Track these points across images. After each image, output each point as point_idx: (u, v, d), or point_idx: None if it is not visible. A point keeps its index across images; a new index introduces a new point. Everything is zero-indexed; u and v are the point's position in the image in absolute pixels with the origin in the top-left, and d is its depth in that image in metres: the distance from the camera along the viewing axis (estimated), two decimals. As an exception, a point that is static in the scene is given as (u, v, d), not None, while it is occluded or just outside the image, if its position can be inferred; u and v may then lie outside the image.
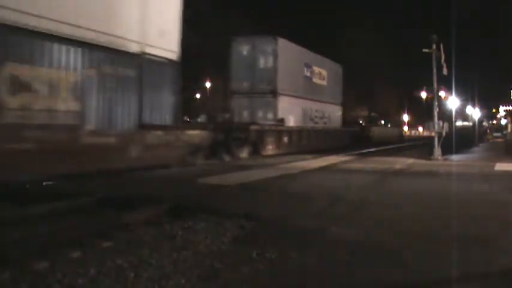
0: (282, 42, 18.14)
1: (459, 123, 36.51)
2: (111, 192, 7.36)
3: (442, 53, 16.53)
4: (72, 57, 6.94)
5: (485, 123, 63.12)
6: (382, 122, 38.40)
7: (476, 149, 24.82)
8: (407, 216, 6.00)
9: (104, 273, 3.73)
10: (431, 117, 16.88)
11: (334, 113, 25.34)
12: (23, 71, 6.31)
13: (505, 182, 9.51)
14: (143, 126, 8.43)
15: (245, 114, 17.86)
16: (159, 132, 8.78)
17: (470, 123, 39.30)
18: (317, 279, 3.68)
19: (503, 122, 60.98)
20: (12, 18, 6.01)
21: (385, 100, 43.49)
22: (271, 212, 6.11)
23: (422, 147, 22.67)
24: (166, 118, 9.00)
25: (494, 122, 74.81)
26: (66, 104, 6.95)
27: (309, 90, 21.22)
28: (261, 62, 17.73)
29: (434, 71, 16.68)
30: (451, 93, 23.21)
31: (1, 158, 6.03)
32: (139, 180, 8.79)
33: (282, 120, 18.00)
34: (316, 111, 22.21)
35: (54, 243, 4.57)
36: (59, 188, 7.82)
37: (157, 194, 7.25)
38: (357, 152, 19.47)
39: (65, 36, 6.77)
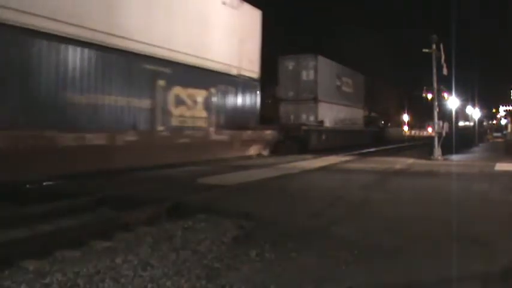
0: (321, 59, 22.46)
1: (462, 123, 37.24)
2: (111, 192, 7.36)
3: (442, 53, 16.54)
4: (205, 80, 11.00)
5: (485, 123, 63.16)
6: (382, 122, 38.86)
7: (476, 149, 24.82)
8: (407, 216, 6.00)
9: (103, 273, 3.72)
10: (431, 117, 16.88)
11: (358, 115, 29.62)
12: (180, 91, 10.24)
13: (505, 182, 9.51)
14: (239, 127, 12.34)
15: (291, 118, 21.78)
16: (249, 132, 12.72)
17: (472, 123, 39.61)
18: (317, 279, 3.68)
19: (503, 122, 60.98)
20: (179, 57, 9.67)
21: (385, 100, 43.90)
22: (271, 212, 6.11)
23: (422, 147, 22.68)
24: (252, 121, 13.10)
25: (494, 122, 74.82)
26: (200, 113, 10.95)
27: (339, 97, 25.41)
28: (304, 75, 21.75)
29: (434, 71, 16.69)
30: (451, 93, 23.21)
31: (172, 149, 9.70)
32: (139, 180, 8.80)
33: (321, 122, 22.05)
34: (345, 114, 26.49)
35: (54, 243, 4.58)
36: (58, 188, 7.84)
37: (158, 194, 7.25)
38: (356, 152, 19.48)
39: (203, 67, 10.96)
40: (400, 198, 7.43)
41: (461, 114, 42.97)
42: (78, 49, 8.18)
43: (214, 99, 11.57)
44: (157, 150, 9.57)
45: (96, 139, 8.17)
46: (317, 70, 21.64)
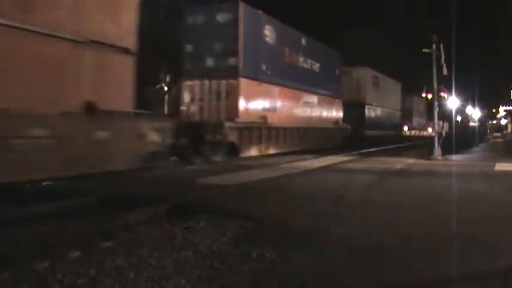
0: (415, 98, 47.11)
1: (471, 123, 40.40)
2: (112, 192, 7.35)
3: (442, 53, 16.54)
4: (391, 115, 36.45)
5: (486, 124, 63.17)
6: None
7: (476, 149, 24.82)
8: (407, 216, 6.00)
9: (104, 273, 3.72)
10: (430, 117, 16.89)
11: (423, 124, 54.53)
12: (387, 121, 34.99)
13: (505, 182, 9.51)
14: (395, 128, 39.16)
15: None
16: (394, 132, 37.87)
17: (477, 124, 41.05)
18: (317, 279, 3.68)
19: (503, 122, 60.94)
20: (386, 108, 34.34)
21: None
22: (271, 212, 6.10)
23: (422, 147, 22.68)
24: (399, 125, 42.01)
25: (494, 122, 74.75)
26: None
27: (418, 115, 52.41)
28: (406, 103, 44.29)
29: (435, 71, 16.69)
30: (451, 93, 23.24)
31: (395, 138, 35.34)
32: (139, 180, 8.79)
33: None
34: (416, 124, 51.79)
35: (54, 243, 4.57)
36: (59, 188, 7.83)
37: (158, 194, 7.25)
38: (356, 152, 19.48)
39: (390, 109, 35.43)
40: (401, 198, 7.43)
41: (468, 115, 43.85)
42: (380, 109, 32.11)
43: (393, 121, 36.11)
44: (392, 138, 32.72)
45: (381, 133, 31.08)
46: (412, 101, 46.56)
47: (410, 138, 41.63)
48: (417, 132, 51.08)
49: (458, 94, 25.27)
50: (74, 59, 5.80)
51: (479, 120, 46.71)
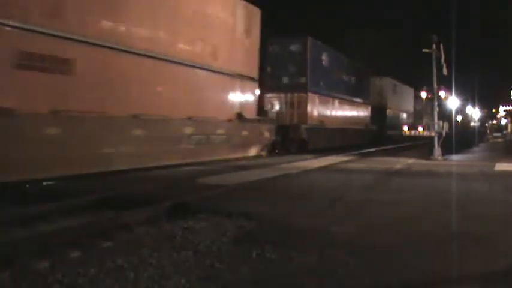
0: (425, 101, 47.75)
1: (473, 124, 41.43)
2: (111, 192, 7.36)
3: (442, 53, 16.54)
4: (398, 116, 40.16)
5: (486, 124, 63.22)
6: None
7: (476, 149, 24.83)
8: (407, 216, 6.00)
9: (104, 273, 3.72)
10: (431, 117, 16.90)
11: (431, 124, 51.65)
12: (395, 116, 39.14)
13: (505, 182, 9.51)
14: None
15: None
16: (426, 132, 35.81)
17: (477, 124, 41.81)
18: (317, 279, 3.68)
19: (503, 122, 60.93)
20: (397, 109, 39.01)
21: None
22: (271, 212, 6.10)
23: (422, 147, 22.69)
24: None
25: (494, 122, 74.76)
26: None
27: (427, 115, 49.45)
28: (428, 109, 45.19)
29: (435, 71, 16.70)
30: (451, 93, 23.25)
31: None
32: (139, 180, 8.80)
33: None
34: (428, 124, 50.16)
35: (54, 243, 4.57)
36: (59, 188, 7.84)
37: (158, 194, 7.24)
38: (356, 152, 19.48)
39: (398, 111, 40.32)
40: (401, 198, 7.43)
41: (468, 115, 44.21)
42: (397, 112, 38.65)
43: (407, 122, 39.61)
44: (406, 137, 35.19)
45: (398, 133, 35.90)
46: (422, 104, 46.11)
47: (410, 138, 41.83)
48: (417, 132, 50.81)
49: (458, 94, 25.38)
50: (231, 86, 10.24)
51: (479, 120, 46.73)
